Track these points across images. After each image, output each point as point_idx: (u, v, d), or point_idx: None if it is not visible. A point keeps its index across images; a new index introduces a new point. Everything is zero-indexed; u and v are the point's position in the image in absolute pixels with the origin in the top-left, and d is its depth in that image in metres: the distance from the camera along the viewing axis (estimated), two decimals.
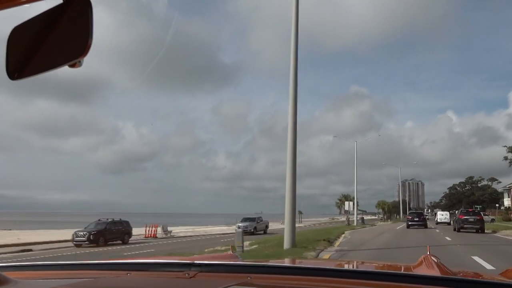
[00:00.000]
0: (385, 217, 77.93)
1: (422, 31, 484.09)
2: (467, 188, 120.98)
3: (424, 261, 2.06)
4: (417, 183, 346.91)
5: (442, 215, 58.27)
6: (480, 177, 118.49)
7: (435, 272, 1.76)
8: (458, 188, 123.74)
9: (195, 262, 1.57)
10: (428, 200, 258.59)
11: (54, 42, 0.87)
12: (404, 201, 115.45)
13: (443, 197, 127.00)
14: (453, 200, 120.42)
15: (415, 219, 40.84)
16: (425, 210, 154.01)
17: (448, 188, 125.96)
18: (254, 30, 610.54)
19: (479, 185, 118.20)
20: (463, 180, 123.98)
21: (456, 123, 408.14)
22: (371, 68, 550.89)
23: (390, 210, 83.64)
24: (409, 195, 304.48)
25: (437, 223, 56.04)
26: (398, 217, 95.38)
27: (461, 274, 1.94)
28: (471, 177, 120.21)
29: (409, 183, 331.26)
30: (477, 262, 12.91)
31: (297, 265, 2.08)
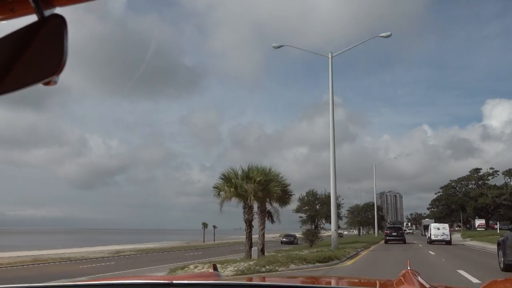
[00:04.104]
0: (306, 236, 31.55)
1: (398, 46, 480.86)
2: (472, 186, 78.56)
3: (405, 276, 2.09)
4: (395, 195, 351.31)
5: (439, 230, 37.72)
6: (491, 168, 76.12)
7: (415, 287, 1.79)
8: (457, 188, 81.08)
9: (173, 282, 1.51)
10: (407, 212, 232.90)
11: (28, 60, 0.84)
12: (370, 206, 71.40)
13: (434, 200, 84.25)
14: (452, 205, 77.42)
15: (393, 234, 38.50)
16: (405, 224, 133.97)
17: (441, 188, 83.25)
18: (215, 30, 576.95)
19: (489, 180, 75.84)
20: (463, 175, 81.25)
21: (431, 136, 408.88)
22: (349, 82, 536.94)
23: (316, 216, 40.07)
24: (387, 208, 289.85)
25: (431, 241, 37.12)
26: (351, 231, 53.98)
27: None
28: (477, 170, 77.76)
29: (386, 195, 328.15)
30: None
31: (278, 283, 1.93)
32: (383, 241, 40.10)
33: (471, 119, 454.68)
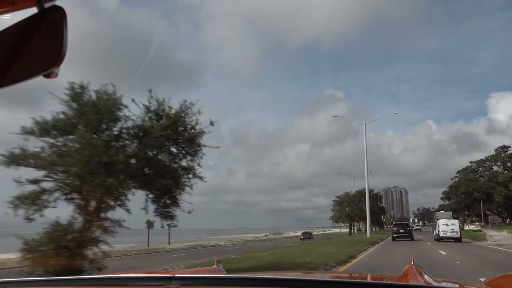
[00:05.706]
0: None
1: (400, 41, 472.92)
2: (497, 169, 61.24)
3: (408, 271, 2.08)
4: (400, 191, 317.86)
5: (448, 226, 33.40)
6: None
7: (418, 282, 1.79)
8: (478, 171, 63.72)
9: (176, 275, 1.49)
10: (413, 208, 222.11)
11: (29, 52, 0.86)
12: (365, 195, 51.82)
13: (451, 187, 67.04)
14: (474, 193, 59.93)
15: (400, 230, 37.40)
16: (411, 220, 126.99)
17: (457, 172, 65.99)
18: (210, 24, 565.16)
19: None
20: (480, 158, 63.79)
21: (435, 131, 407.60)
22: (353, 80, 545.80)
23: None
24: (392, 203, 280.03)
25: (439, 238, 33.20)
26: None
27: (444, 283, 1.92)
28: (504, 148, 60.33)
29: (391, 190, 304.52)
30: None
31: (281, 277, 1.88)
32: (373, 246, 29.21)
33: (476, 113, 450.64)
